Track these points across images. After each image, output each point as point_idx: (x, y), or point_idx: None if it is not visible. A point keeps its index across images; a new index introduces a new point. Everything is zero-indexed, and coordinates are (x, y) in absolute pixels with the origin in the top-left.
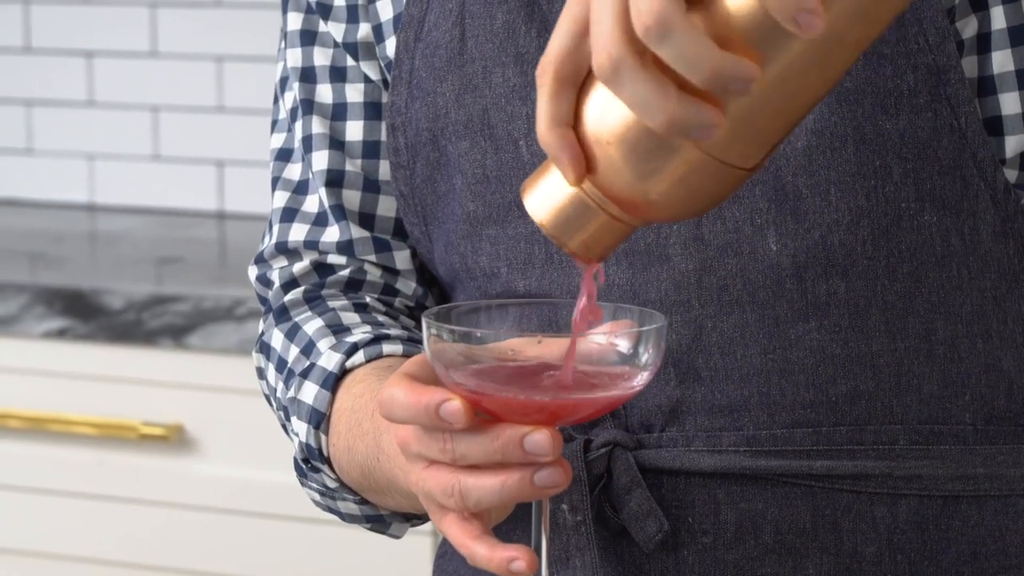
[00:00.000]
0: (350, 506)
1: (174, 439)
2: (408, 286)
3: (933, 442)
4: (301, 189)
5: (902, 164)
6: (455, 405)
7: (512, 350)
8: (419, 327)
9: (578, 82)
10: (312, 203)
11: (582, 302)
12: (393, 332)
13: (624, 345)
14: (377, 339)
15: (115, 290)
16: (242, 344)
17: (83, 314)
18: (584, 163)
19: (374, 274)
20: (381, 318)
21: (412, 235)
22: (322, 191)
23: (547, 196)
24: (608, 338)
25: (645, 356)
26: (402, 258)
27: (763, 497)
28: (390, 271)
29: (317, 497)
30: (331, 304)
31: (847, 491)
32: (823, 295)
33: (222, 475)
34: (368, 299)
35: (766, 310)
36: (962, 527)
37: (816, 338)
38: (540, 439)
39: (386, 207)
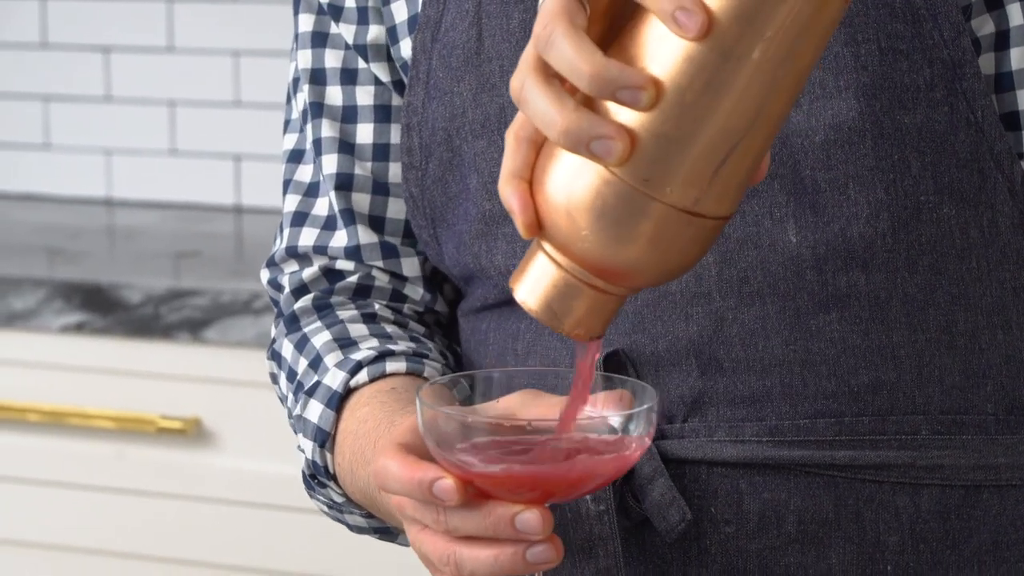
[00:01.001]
0: (357, 519)
1: (192, 432)
2: (416, 292)
3: (955, 432)
4: (312, 192)
5: (920, 158)
6: (448, 484)
7: (508, 413)
8: (428, 335)
9: (535, 141)
10: (322, 206)
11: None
12: (397, 348)
13: (616, 421)
14: (381, 356)
15: (133, 284)
16: (259, 338)
17: (101, 308)
18: (534, 214)
19: (382, 280)
20: (389, 328)
21: (420, 237)
22: (332, 195)
23: (535, 283)
24: (600, 413)
25: (636, 432)
26: (409, 265)
27: (786, 487)
28: (398, 277)
29: (325, 508)
30: (340, 315)
31: (869, 481)
32: (843, 287)
33: (240, 468)
34: (377, 306)
35: (787, 302)
36: (984, 516)
37: (837, 329)
38: (530, 518)
39: (396, 210)
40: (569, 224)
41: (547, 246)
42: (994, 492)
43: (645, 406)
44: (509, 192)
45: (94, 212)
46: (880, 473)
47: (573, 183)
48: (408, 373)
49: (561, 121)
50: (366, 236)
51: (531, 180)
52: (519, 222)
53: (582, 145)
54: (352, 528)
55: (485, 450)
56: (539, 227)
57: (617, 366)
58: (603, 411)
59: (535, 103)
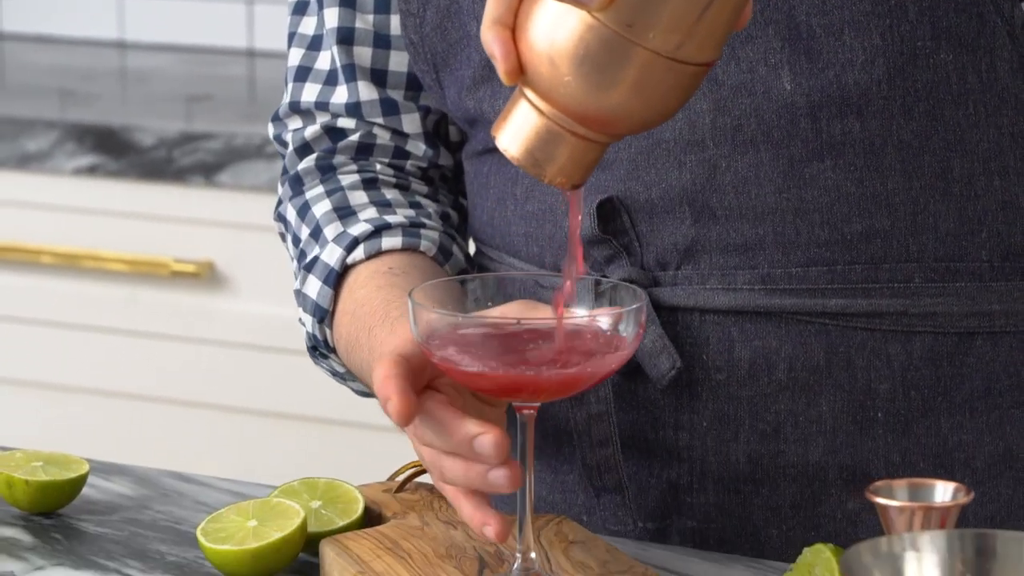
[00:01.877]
0: (360, 386)
1: (205, 276)
2: (418, 148)
3: (949, 279)
4: (315, 45)
5: (917, 2)
6: (486, 441)
7: (501, 316)
8: (431, 194)
9: None
10: (324, 60)
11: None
12: (394, 221)
13: (606, 323)
14: (377, 231)
15: (145, 127)
16: (272, 182)
17: (114, 151)
18: (516, 59)
19: (383, 137)
20: (389, 195)
21: (423, 81)
22: (334, 49)
23: (517, 130)
24: (589, 317)
25: (625, 332)
26: (410, 121)
27: (777, 335)
28: (399, 134)
29: (329, 375)
30: (341, 179)
31: (861, 329)
32: (838, 134)
33: (252, 311)
34: (378, 167)
35: (780, 149)
36: (976, 363)
37: (831, 177)
38: (484, 442)
39: (398, 62)
40: (551, 70)
41: (529, 93)
42: (987, 339)
43: (634, 306)
44: (491, 38)
45: (106, 54)
46: (872, 321)
47: (556, 29)
48: (404, 249)
49: None
50: (367, 92)
51: (514, 27)
52: (501, 69)
53: None
54: (357, 393)
55: (477, 350)
56: (521, 73)
57: (611, 212)
58: (593, 312)
59: None
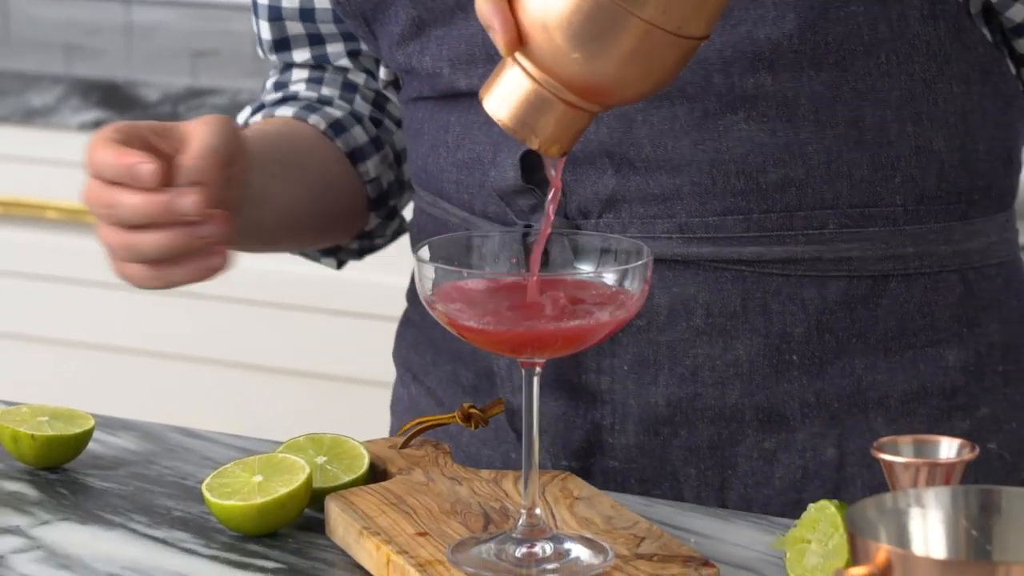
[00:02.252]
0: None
1: None
2: (359, 77)
3: (863, 224)
4: (256, 13)
5: None
6: (147, 168)
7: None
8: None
9: None
10: (263, 31)
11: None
12: (302, 94)
13: (611, 278)
14: (284, 100)
15: (151, 82)
16: None
17: (119, 106)
18: (515, 30)
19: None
20: (326, 75)
21: (357, 33)
22: (266, 25)
23: (506, 95)
24: (595, 269)
25: (631, 287)
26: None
27: (694, 281)
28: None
29: None
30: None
31: (776, 275)
32: (751, 88)
33: (259, 267)
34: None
35: (695, 103)
36: (890, 305)
37: (744, 128)
38: (185, 203)
39: (329, 32)
40: (546, 39)
41: (522, 59)
42: (901, 281)
43: (640, 262)
44: (489, 11)
45: (111, 8)
46: (787, 267)
47: (553, 4)
48: (294, 119)
49: None
50: (298, 74)
51: None
52: (500, 40)
53: None
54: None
55: (481, 305)
56: (520, 44)
57: (535, 164)
58: (599, 268)
59: None
